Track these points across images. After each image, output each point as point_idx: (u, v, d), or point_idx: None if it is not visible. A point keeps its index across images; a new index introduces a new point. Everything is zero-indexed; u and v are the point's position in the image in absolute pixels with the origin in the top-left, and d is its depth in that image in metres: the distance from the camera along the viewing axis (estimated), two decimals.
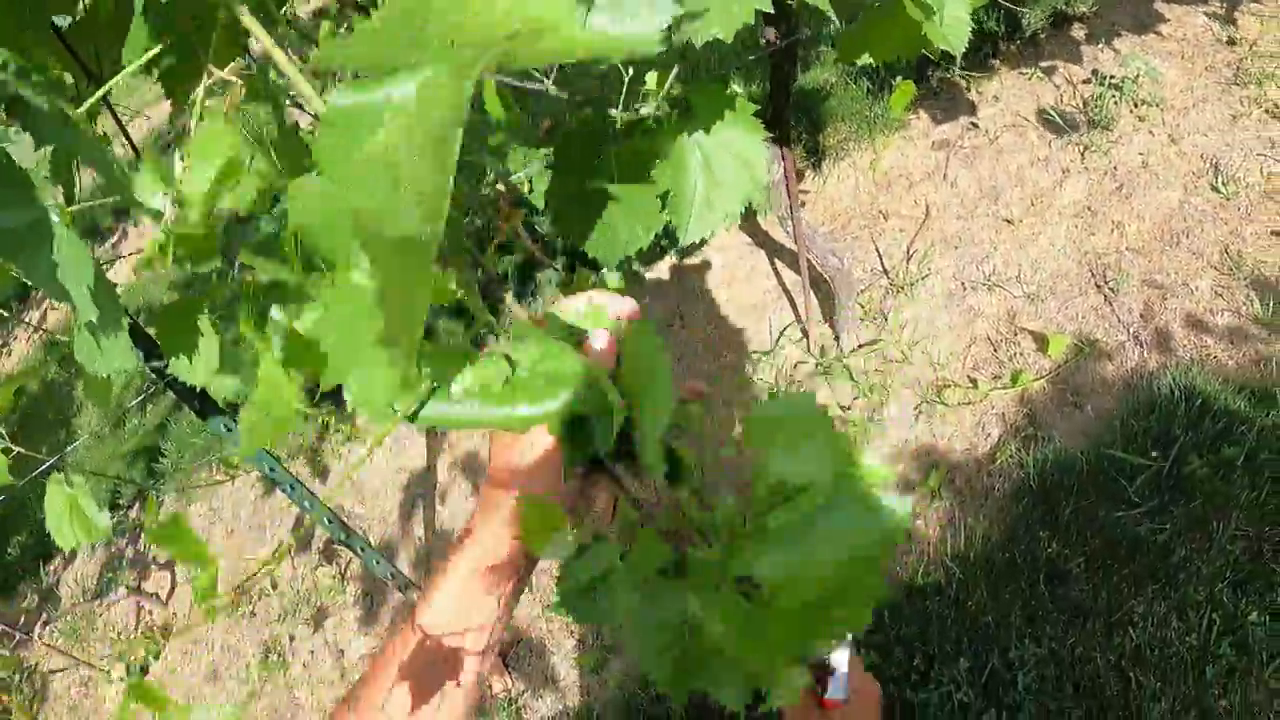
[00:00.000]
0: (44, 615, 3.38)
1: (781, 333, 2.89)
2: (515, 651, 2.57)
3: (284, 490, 1.99)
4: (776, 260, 3.10)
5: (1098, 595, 2.15)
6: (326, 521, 2.10)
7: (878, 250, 3.04)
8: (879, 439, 2.59)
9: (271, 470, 1.94)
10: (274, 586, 2.98)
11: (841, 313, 2.68)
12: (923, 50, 1.43)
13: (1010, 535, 2.28)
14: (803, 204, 3.28)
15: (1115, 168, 3.05)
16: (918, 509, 2.42)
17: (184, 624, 2.98)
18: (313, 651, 2.79)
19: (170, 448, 3.64)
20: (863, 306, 2.86)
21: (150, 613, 3.17)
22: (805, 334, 2.81)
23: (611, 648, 2.50)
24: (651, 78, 1.07)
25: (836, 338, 2.77)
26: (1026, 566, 2.23)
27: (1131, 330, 2.61)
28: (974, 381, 2.61)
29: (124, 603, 3.23)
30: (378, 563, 2.28)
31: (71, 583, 3.48)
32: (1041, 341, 2.64)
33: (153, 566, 3.34)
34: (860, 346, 2.76)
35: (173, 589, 3.26)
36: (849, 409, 2.66)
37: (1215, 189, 2.91)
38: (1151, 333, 2.60)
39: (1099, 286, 2.74)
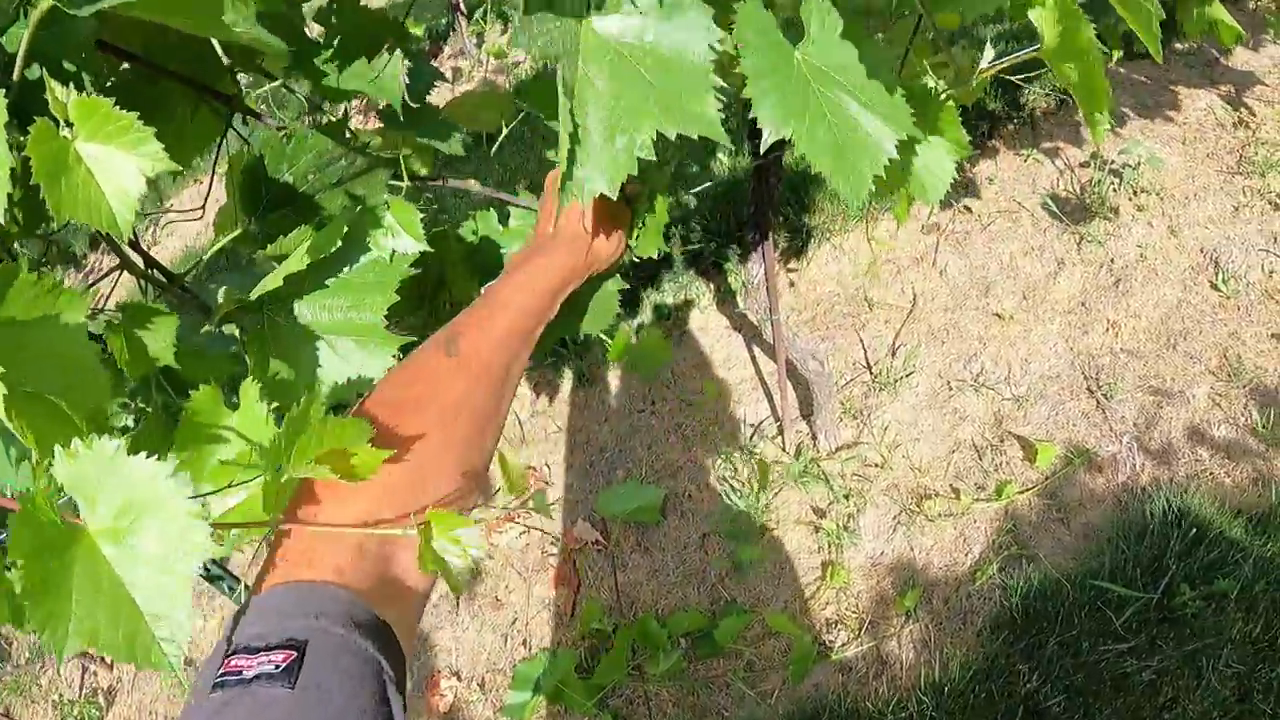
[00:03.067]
0: None
1: (755, 428, 2.77)
2: None
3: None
4: (755, 347, 2.98)
5: None
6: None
7: (862, 342, 2.92)
8: (853, 550, 2.46)
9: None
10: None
11: (820, 414, 2.55)
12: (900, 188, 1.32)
13: (989, 666, 2.14)
14: (790, 283, 3.16)
15: (1112, 260, 2.93)
16: (891, 630, 2.29)
17: (126, 689, 2.86)
18: None
19: None
20: (843, 404, 2.74)
21: (95, 674, 3.05)
22: (781, 432, 2.68)
23: None
24: None
25: (814, 437, 2.65)
26: (1004, 701, 2.09)
27: (1124, 441, 2.48)
28: (956, 492, 2.48)
29: (72, 661, 3.13)
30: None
31: (20, 636, 3.37)
32: (1029, 450, 2.52)
33: None
34: (838, 449, 2.64)
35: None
36: (824, 515, 2.53)
37: (1215, 286, 2.80)
38: (1144, 445, 2.47)
39: (1091, 391, 2.62)
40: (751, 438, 2.75)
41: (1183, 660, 2.08)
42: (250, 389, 1.04)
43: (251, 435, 1.03)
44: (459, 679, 2.55)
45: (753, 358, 2.97)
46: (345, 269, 1.07)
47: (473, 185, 1.39)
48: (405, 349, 1.03)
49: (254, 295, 0.97)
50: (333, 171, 1.17)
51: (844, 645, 2.30)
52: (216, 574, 2.40)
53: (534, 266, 1.02)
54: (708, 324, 3.18)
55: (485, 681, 2.52)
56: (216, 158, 1.20)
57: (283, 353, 1.03)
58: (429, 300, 1.46)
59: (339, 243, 1.00)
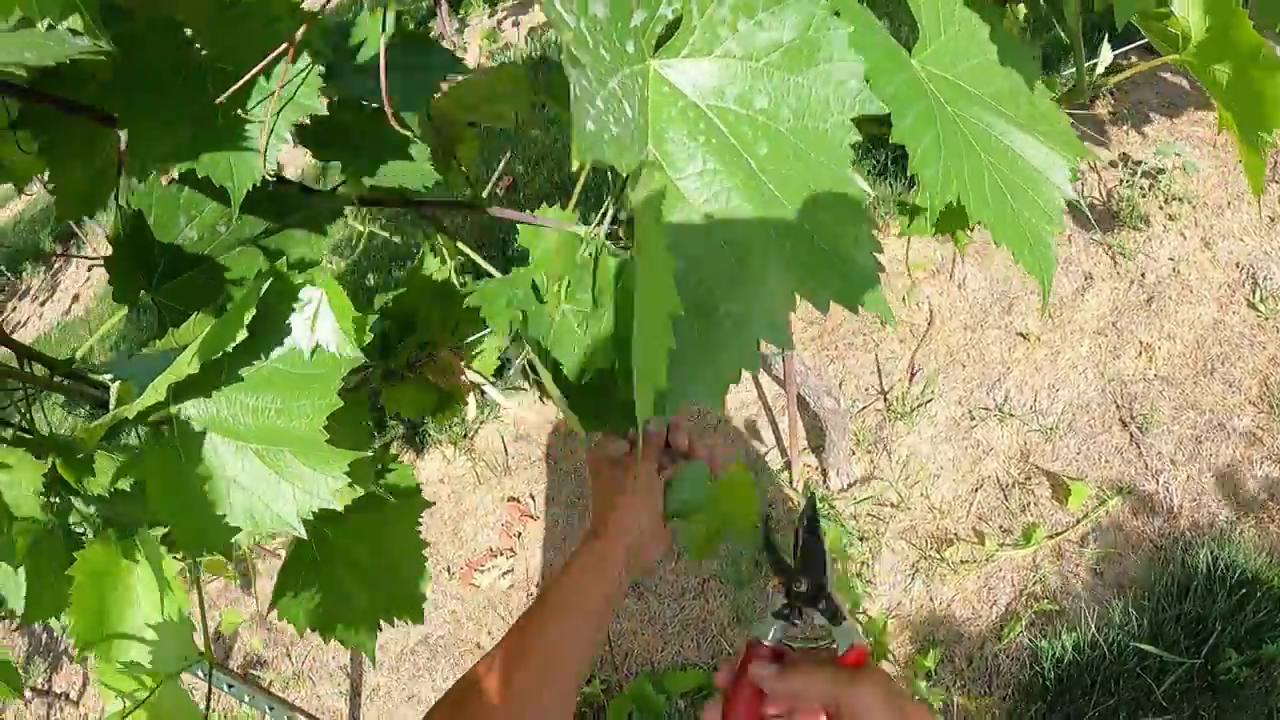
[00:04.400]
0: None
1: (759, 460, 2.57)
2: None
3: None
4: (762, 374, 2.77)
5: None
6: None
7: (877, 364, 2.71)
8: (868, 600, 2.26)
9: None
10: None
11: (832, 450, 2.35)
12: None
13: None
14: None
15: (1143, 274, 2.72)
16: (911, 692, 2.10)
17: None
18: None
19: None
20: (855, 435, 2.54)
21: (61, 709, 2.86)
22: (788, 467, 2.48)
23: None
24: None
25: (824, 474, 2.45)
26: None
27: (1161, 480, 2.29)
28: (980, 536, 2.29)
29: (37, 700, 2.93)
30: None
31: None
32: (1059, 488, 2.32)
33: (64, 660, 3.02)
34: (850, 486, 2.44)
35: (84, 687, 2.94)
36: (835, 560, 2.34)
37: (1252, 305, 2.59)
38: (1183, 485, 2.28)
39: (1125, 423, 2.42)
40: (756, 471, 2.55)
41: None
42: (149, 541, 0.83)
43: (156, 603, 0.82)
44: None
45: (756, 381, 2.77)
46: (272, 353, 0.78)
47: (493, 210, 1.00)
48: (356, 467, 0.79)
49: (134, 410, 0.70)
50: (252, 221, 0.90)
51: None
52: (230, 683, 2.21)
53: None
54: None
55: None
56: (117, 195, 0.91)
57: (201, 469, 0.76)
58: (392, 349, 1.22)
59: (243, 332, 0.71)
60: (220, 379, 0.76)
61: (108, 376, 0.85)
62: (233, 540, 0.77)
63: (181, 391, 0.75)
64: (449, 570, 2.74)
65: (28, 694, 2.95)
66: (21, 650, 3.14)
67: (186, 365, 0.69)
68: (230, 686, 1.94)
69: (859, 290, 0.54)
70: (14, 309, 5.28)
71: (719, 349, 0.54)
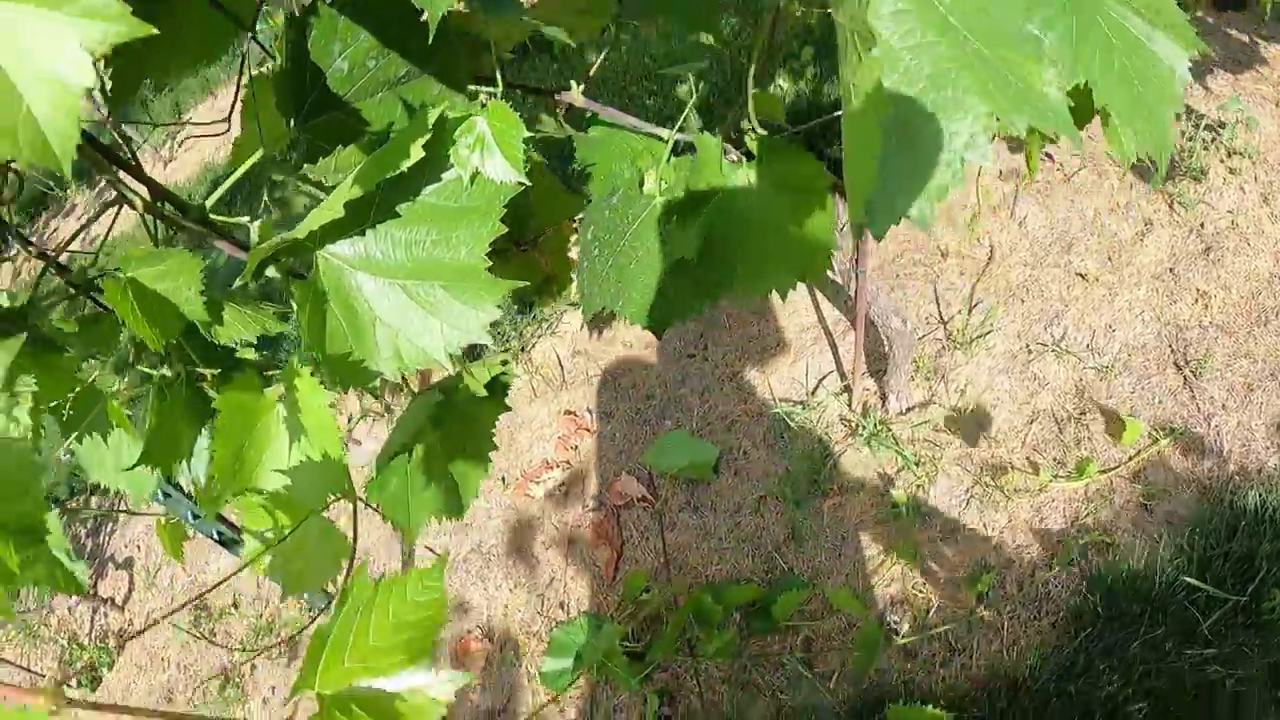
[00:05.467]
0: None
1: (819, 383, 2.61)
2: None
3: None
4: (819, 294, 2.80)
5: None
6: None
7: (936, 294, 2.74)
8: (922, 523, 2.33)
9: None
10: (235, 606, 2.72)
11: (894, 373, 2.39)
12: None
13: (1069, 663, 2.04)
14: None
15: (1202, 224, 2.75)
16: (960, 614, 2.18)
17: (135, 633, 2.71)
18: (274, 688, 2.53)
19: None
20: (915, 362, 2.58)
21: (105, 615, 2.90)
22: (849, 389, 2.52)
23: None
24: None
25: (883, 398, 2.49)
26: (1083, 703, 1.99)
27: (1213, 423, 2.35)
28: (1035, 466, 2.35)
29: (83, 604, 2.97)
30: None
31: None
32: (1113, 424, 2.38)
33: (110, 566, 3.05)
34: (908, 410, 2.49)
35: (130, 592, 2.98)
36: (892, 484, 2.40)
37: None
38: (1234, 429, 2.34)
39: (1179, 366, 2.47)
40: (815, 392, 2.59)
41: (1271, 673, 1.99)
42: (301, 375, 0.83)
43: (311, 432, 0.82)
44: (490, 641, 2.42)
45: (816, 304, 2.80)
46: (423, 190, 0.79)
47: (575, 98, 1.03)
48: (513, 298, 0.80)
49: (303, 231, 0.71)
50: (397, 62, 0.89)
51: (910, 629, 2.19)
52: (231, 538, 2.25)
53: None
54: None
55: (520, 645, 2.40)
56: (244, 65, 0.92)
57: (345, 308, 0.77)
58: (513, 233, 1.21)
59: (415, 155, 0.71)
60: (371, 215, 0.77)
61: (245, 219, 0.86)
62: (378, 377, 0.78)
63: (328, 233, 0.75)
64: (504, 480, 2.77)
65: (73, 600, 2.98)
66: (74, 543, 3.18)
67: (346, 191, 0.69)
68: None
69: (1049, 121, 0.57)
70: (56, 227, 5.18)
71: (924, 164, 0.58)
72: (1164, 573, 2.11)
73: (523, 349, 3.04)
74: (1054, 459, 2.37)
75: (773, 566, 2.34)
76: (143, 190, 0.81)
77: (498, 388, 1.05)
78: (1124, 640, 2.04)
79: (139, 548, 3.08)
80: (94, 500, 3.17)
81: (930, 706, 1.90)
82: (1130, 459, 2.32)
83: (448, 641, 2.42)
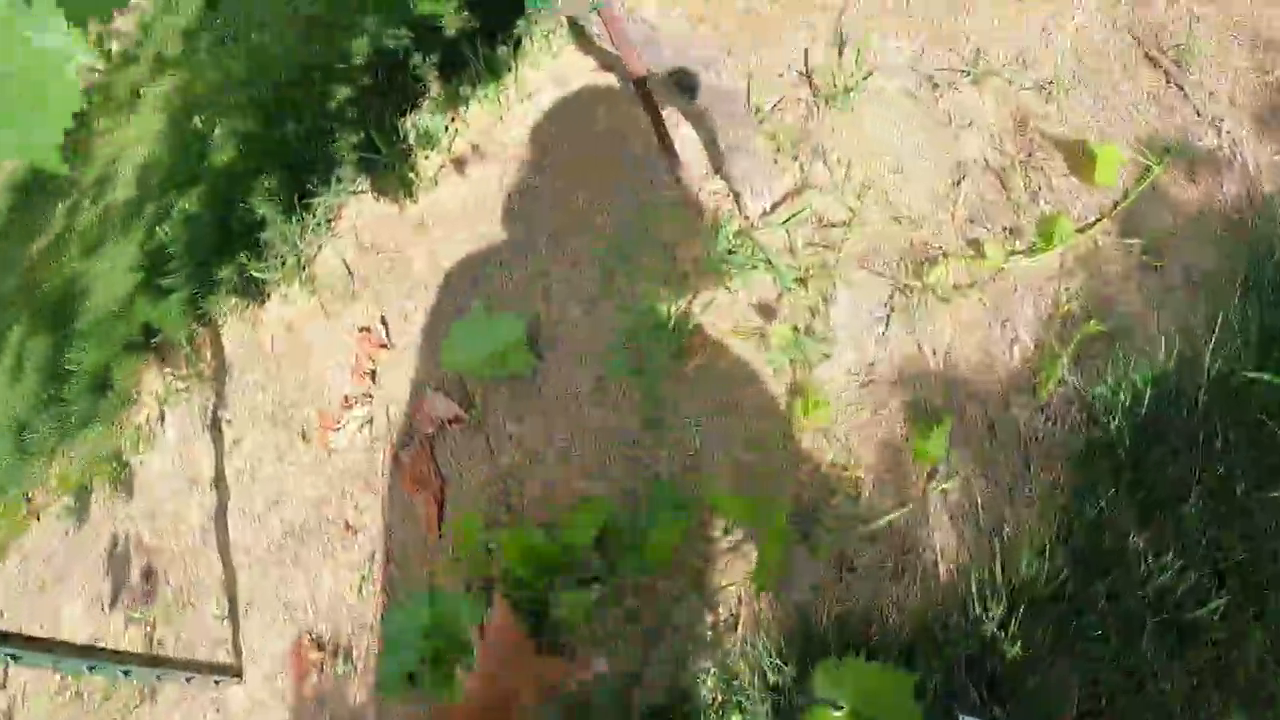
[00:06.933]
0: None
1: (647, 190, 1.75)
2: None
3: None
4: (669, 104, 1.91)
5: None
6: None
7: (782, 39, 1.88)
8: (826, 363, 1.50)
9: None
10: None
11: (733, 156, 1.54)
12: None
13: (1089, 551, 1.25)
14: None
15: None
16: (911, 493, 1.37)
17: None
18: None
19: None
20: (773, 137, 1.72)
21: None
22: (683, 198, 1.66)
23: None
24: None
25: (736, 198, 1.64)
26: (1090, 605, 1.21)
27: (1223, 129, 1.54)
28: (976, 246, 1.53)
29: None
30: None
31: None
32: (1077, 157, 1.56)
33: None
34: (775, 208, 1.64)
35: None
36: (772, 315, 1.56)
37: None
38: (1252, 131, 1.53)
39: (1153, 60, 1.65)
40: (649, 217, 1.73)
41: None
42: None
43: None
44: (320, 648, 1.64)
45: (646, 98, 1.91)
46: None
47: None
48: None
49: None
50: None
51: (838, 527, 1.38)
52: None
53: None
54: (567, 69, 2.10)
55: (353, 646, 1.62)
56: None
57: None
58: None
59: None
60: None
61: None
62: None
63: None
64: (304, 435, 1.93)
65: None
66: None
67: None
68: None
69: None
70: None
71: None
72: (1204, 365, 1.31)
73: (302, 265, 2.16)
74: (1004, 228, 1.54)
75: (635, 469, 1.52)
76: None
77: None
78: (1173, 479, 1.25)
79: None
80: None
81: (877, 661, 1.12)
82: (1115, 205, 1.50)
83: (281, 657, 1.66)
